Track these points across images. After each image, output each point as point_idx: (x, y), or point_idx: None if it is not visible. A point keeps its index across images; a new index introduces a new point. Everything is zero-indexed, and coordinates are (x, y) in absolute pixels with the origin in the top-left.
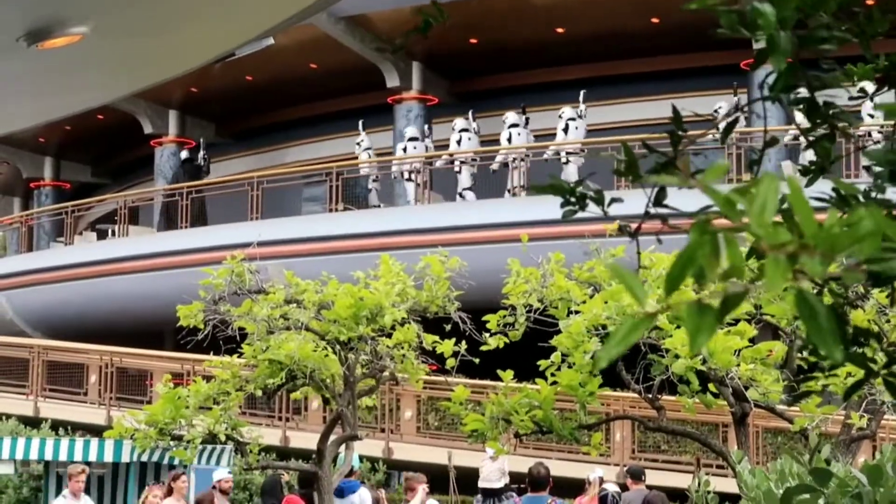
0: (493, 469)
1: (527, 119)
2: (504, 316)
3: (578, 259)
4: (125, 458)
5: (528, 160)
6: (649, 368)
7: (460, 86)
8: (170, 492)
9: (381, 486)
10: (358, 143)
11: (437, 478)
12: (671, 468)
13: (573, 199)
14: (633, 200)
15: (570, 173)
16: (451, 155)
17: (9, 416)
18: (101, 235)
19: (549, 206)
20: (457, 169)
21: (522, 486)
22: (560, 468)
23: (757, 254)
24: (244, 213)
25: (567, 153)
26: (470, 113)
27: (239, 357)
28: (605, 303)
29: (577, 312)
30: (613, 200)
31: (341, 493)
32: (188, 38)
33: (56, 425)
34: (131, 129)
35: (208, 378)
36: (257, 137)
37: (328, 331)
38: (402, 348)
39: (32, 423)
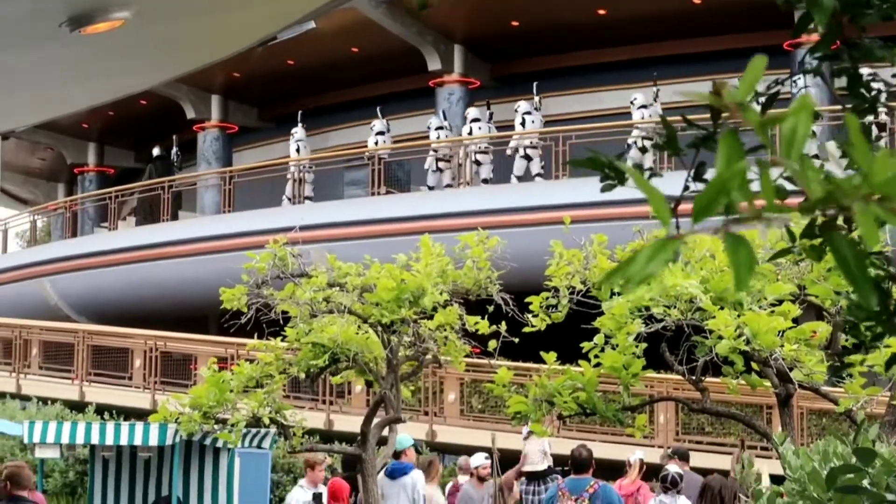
0: (535, 451)
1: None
2: (547, 298)
3: (621, 240)
4: (169, 442)
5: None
6: (693, 350)
7: (502, 68)
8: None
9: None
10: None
11: None
12: (715, 450)
13: (612, 173)
14: (675, 181)
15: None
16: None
17: (54, 401)
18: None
19: (592, 188)
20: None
21: (565, 468)
22: (603, 450)
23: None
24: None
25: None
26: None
27: (282, 340)
28: (648, 284)
29: (619, 294)
30: (652, 175)
31: (393, 474)
32: (230, 22)
33: (101, 409)
34: (174, 114)
35: (252, 362)
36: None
37: (371, 314)
38: (445, 330)
39: (78, 407)
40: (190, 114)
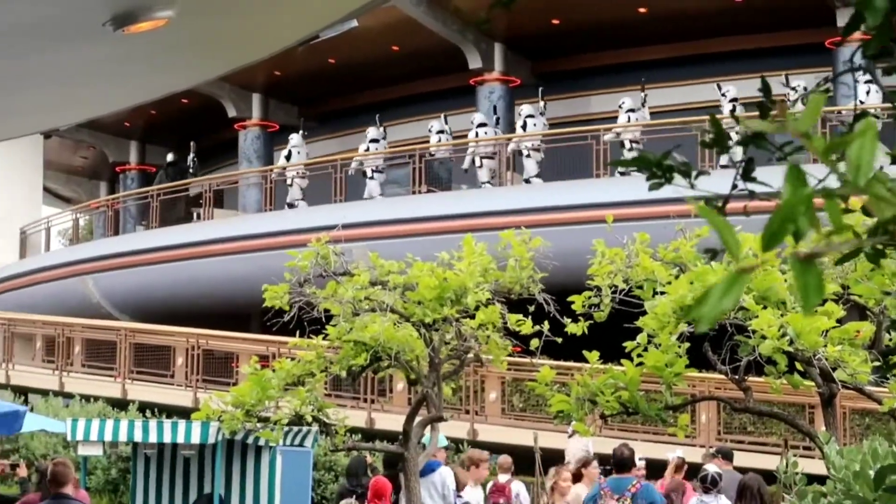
0: (579, 450)
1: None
2: (589, 297)
3: (663, 239)
4: (211, 440)
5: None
6: (735, 349)
7: (542, 66)
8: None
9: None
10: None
11: (522, 459)
12: (758, 449)
13: (659, 172)
14: (720, 180)
15: None
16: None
17: (97, 398)
18: (187, 219)
19: (634, 187)
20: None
21: (608, 467)
22: (645, 449)
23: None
24: (328, 196)
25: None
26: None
27: (324, 339)
28: (691, 283)
29: (662, 293)
30: (700, 173)
31: (422, 472)
32: (273, 20)
33: (143, 407)
34: (215, 113)
35: (293, 359)
36: (340, 120)
37: (413, 312)
38: (487, 329)
39: (120, 404)
40: (231, 112)
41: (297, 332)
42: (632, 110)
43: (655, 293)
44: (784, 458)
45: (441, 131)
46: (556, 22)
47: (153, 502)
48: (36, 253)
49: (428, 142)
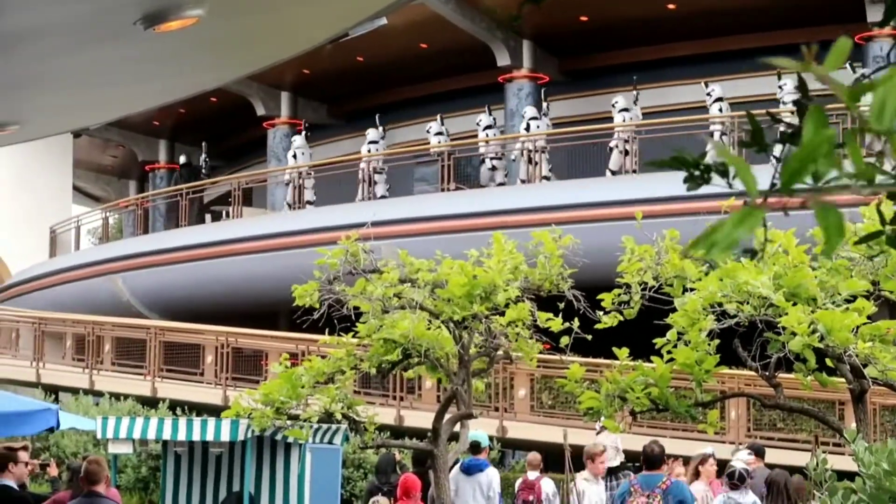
0: (608, 447)
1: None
2: (619, 294)
3: (693, 236)
4: (241, 437)
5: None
6: (765, 346)
7: (571, 63)
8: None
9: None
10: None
11: (551, 456)
12: (787, 446)
13: (697, 172)
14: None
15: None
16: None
17: (127, 397)
18: (216, 217)
19: (663, 184)
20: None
21: (637, 464)
22: (674, 446)
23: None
24: (354, 195)
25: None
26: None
27: (354, 336)
28: (721, 280)
29: (692, 290)
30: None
31: (469, 470)
32: (302, 19)
33: (173, 405)
34: (244, 112)
35: (323, 357)
36: (369, 118)
37: (442, 310)
38: (516, 326)
39: (150, 402)
40: (260, 111)
41: (327, 330)
42: (625, 109)
43: (685, 290)
44: (814, 454)
45: (439, 133)
46: (584, 19)
47: (183, 500)
48: (66, 252)
49: (460, 139)
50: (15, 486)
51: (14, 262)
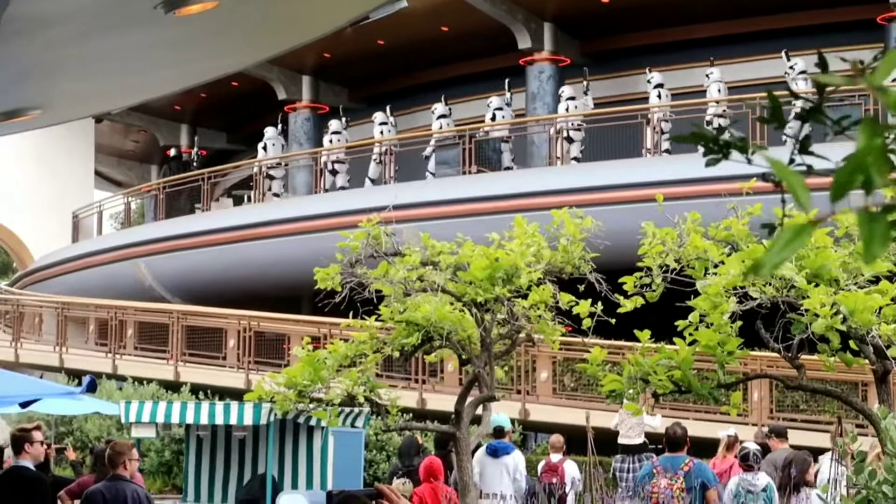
0: (633, 425)
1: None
2: (640, 277)
3: (715, 218)
4: (263, 421)
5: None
6: (787, 327)
7: (592, 46)
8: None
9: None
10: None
11: (573, 438)
12: (810, 427)
13: (716, 147)
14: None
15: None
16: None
17: (150, 381)
18: (238, 201)
19: (684, 165)
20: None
21: (659, 446)
22: (697, 428)
23: None
24: (378, 177)
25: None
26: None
27: (376, 319)
28: (743, 262)
29: (715, 272)
30: (758, 149)
31: (495, 453)
32: (323, 2)
33: (196, 389)
34: (265, 96)
35: (345, 340)
36: (390, 101)
37: (464, 292)
38: (538, 309)
39: (173, 387)
40: (281, 95)
41: (350, 314)
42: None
43: (707, 272)
44: (835, 434)
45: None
46: (605, 1)
47: (206, 483)
48: (88, 237)
49: (480, 121)
50: (31, 467)
51: (37, 248)
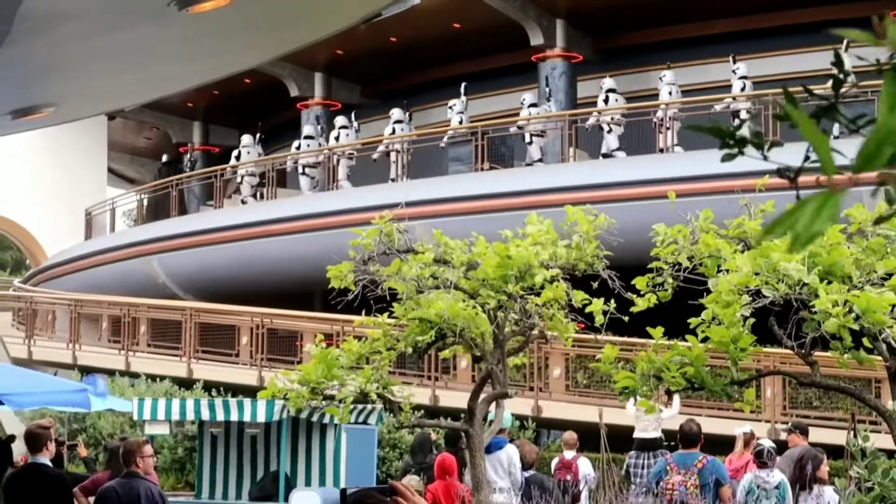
0: (650, 419)
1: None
2: (652, 278)
3: (727, 215)
4: (276, 418)
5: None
6: (800, 324)
7: (605, 42)
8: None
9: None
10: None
11: (586, 436)
12: (823, 424)
13: (732, 142)
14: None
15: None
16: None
17: (163, 378)
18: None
19: (697, 162)
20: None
21: (673, 443)
22: (710, 425)
23: None
24: (387, 175)
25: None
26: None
27: (389, 316)
28: (756, 260)
29: (727, 270)
30: (773, 144)
31: (488, 449)
32: None
33: (209, 386)
34: (278, 93)
35: (358, 338)
36: (402, 98)
37: (477, 289)
38: (551, 307)
39: (186, 384)
40: (293, 92)
41: (362, 311)
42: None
43: (720, 270)
44: (850, 431)
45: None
46: None
47: (220, 480)
48: (101, 234)
49: (493, 118)
50: (50, 464)
51: (50, 244)
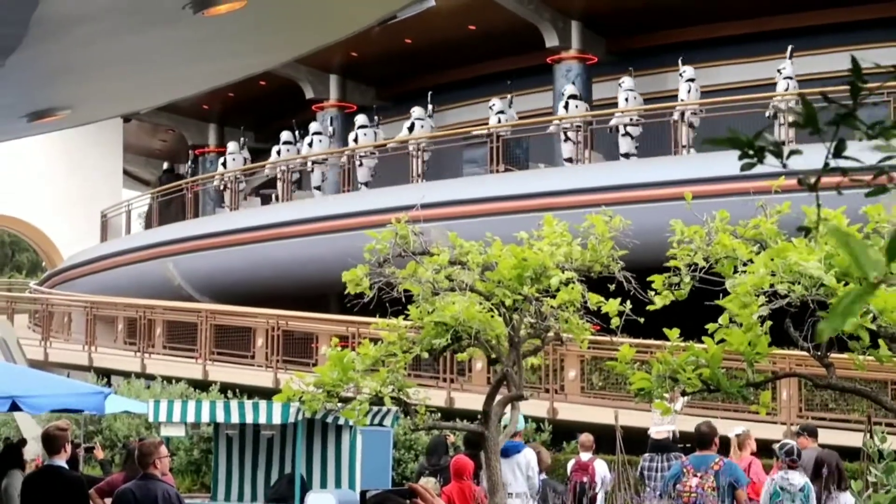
0: (665, 419)
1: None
2: (668, 277)
3: (743, 216)
4: (292, 420)
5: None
6: (817, 325)
7: (619, 44)
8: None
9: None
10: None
11: (602, 437)
12: (839, 426)
13: (752, 152)
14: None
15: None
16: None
17: (178, 380)
18: (266, 200)
19: (712, 164)
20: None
21: (688, 445)
22: (725, 427)
23: None
24: (406, 176)
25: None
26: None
27: (405, 319)
28: (772, 260)
29: (744, 271)
30: (793, 153)
31: (506, 452)
32: (350, 1)
33: (224, 388)
34: (293, 95)
35: (374, 340)
36: (417, 100)
37: (492, 291)
38: (567, 309)
39: (201, 386)
40: (308, 94)
41: (378, 313)
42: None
43: (736, 270)
44: (866, 433)
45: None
46: None
47: (235, 482)
48: (117, 236)
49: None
50: (66, 466)
51: (66, 247)
